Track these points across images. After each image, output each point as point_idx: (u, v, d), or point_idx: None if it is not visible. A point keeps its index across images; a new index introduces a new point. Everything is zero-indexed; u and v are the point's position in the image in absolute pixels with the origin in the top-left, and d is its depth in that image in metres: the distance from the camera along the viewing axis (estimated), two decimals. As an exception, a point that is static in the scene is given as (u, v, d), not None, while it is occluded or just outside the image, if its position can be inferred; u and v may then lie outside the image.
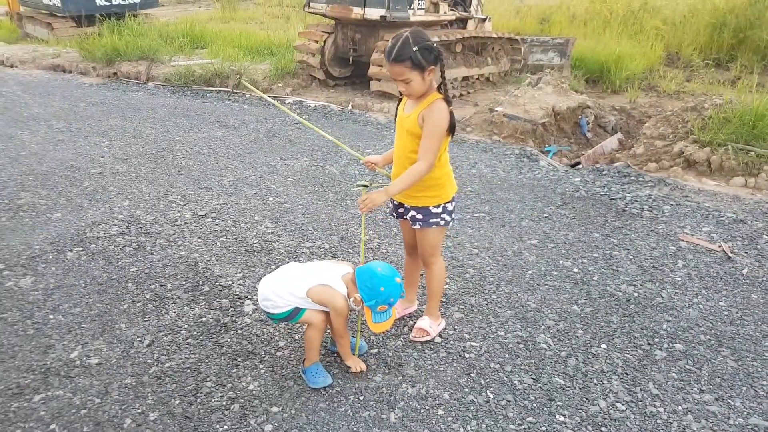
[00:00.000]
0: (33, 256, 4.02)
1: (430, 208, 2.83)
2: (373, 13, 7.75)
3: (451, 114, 2.60)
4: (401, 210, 2.97)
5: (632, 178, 5.67)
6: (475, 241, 4.32)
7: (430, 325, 3.15)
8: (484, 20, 9.60)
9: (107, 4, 13.81)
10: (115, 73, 10.19)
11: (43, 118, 7.53)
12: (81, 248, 4.13)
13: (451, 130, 2.63)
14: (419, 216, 2.86)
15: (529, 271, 3.88)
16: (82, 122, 7.37)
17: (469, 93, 8.97)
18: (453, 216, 2.92)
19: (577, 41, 10.43)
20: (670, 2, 14.99)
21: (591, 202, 5.11)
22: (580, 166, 6.38)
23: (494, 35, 9.16)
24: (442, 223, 2.87)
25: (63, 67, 10.68)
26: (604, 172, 5.84)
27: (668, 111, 6.83)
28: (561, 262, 4.02)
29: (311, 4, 8.70)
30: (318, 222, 4.60)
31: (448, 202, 2.85)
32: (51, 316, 3.34)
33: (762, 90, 9.19)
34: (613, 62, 10.16)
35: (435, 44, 2.54)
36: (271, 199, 5.06)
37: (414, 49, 2.47)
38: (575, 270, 3.90)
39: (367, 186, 2.89)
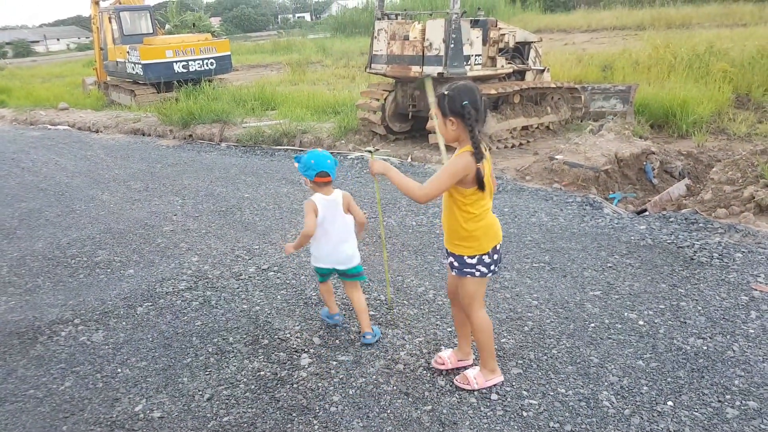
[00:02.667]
0: (106, 311, 4.19)
1: (465, 257, 2.85)
2: (431, 71, 7.88)
3: (477, 170, 2.64)
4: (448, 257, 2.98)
5: (701, 224, 5.40)
6: (534, 293, 4.19)
7: (475, 376, 3.05)
8: (542, 71, 9.57)
9: (184, 71, 14.67)
10: (190, 135, 10.74)
11: (122, 179, 7.98)
12: (150, 303, 4.27)
13: (479, 185, 2.68)
14: (456, 264, 2.90)
15: (592, 324, 3.71)
16: (158, 182, 7.75)
17: (528, 142, 8.89)
18: (493, 268, 2.90)
19: (639, 87, 10.22)
20: (737, 44, 14.54)
21: (657, 251, 4.88)
22: (647, 213, 6.15)
23: (553, 85, 9.10)
24: (477, 274, 2.87)
25: (143, 131, 11.36)
26: (671, 219, 5.59)
27: (737, 155, 6.52)
28: (625, 314, 3.83)
29: (372, 65, 8.93)
30: (374, 273, 4.59)
31: (484, 254, 2.84)
32: (119, 370, 3.44)
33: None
34: (678, 106, 9.87)
35: (467, 102, 2.60)
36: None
37: (443, 92, 2.66)
38: (641, 322, 3.71)
39: (371, 152, 3.20)
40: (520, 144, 8.75)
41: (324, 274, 3.65)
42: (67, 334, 3.93)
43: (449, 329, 3.70)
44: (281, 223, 5.97)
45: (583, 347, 3.44)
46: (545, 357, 3.36)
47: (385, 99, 9.17)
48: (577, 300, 4.05)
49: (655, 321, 3.71)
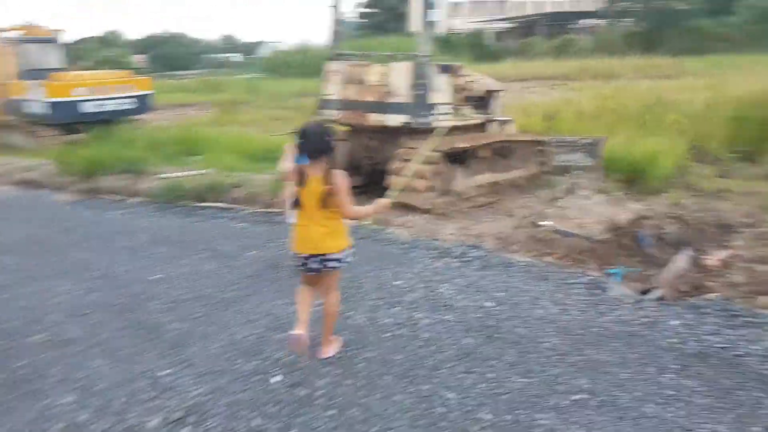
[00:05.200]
0: None
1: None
2: (395, 120, 6.51)
3: None
4: None
5: (745, 318, 4.18)
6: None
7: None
8: (506, 122, 8.40)
9: (98, 111, 12.69)
10: (94, 189, 8.76)
11: (-11, 251, 6.03)
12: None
13: None
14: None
15: None
16: (40, 257, 5.87)
17: (498, 200, 7.60)
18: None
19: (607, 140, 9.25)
20: (684, 95, 14.12)
21: (715, 362, 3.60)
22: (659, 295, 4.92)
23: (521, 137, 7.92)
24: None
25: (37, 183, 9.29)
26: (704, 310, 4.35)
27: (760, 226, 5.44)
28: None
29: (322, 110, 7.48)
30: (346, 420, 3.04)
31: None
32: None
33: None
34: (647, 161, 8.93)
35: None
36: (276, 379, 3.51)
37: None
38: None
39: None
40: (490, 202, 7.45)
41: None
42: None
43: None
44: (204, 324, 4.33)
45: None
46: None
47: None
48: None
49: None
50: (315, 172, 3.37)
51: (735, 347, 3.77)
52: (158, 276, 5.35)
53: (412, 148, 6.76)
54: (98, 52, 36.69)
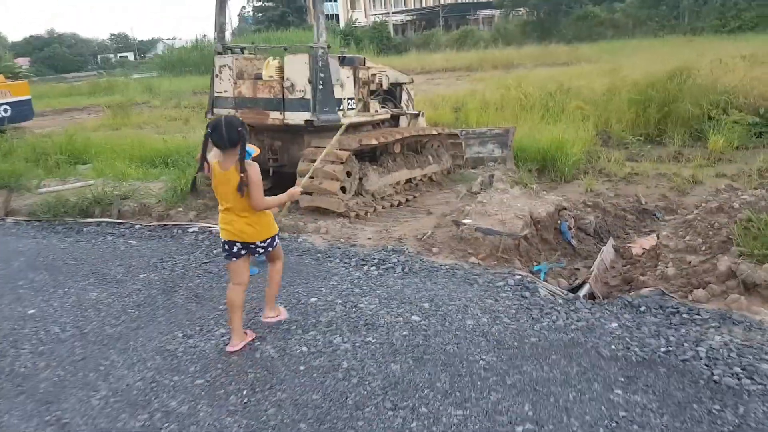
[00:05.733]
0: None
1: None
2: (296, 118, 5.92)
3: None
4: None
5: (683, 315, 3.95)
6: None
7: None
8: (417, 115, 7.99)
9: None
10: (-40, 210, 7.59)
11: None
12: None
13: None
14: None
15: None
16: None
17: (414, 197, 7.18)
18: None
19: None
20: (582, 82, 14.31)
21: (662, 371, 3.31)
22: (588, 291, 4.66)
23: (433, 131, 7.53)
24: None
25: None
26: (640, 309, 4.09)
27: (687, 212, 5.30)
28: None
29: (215, 109, 6.76)
30: None
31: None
32: None
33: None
34: (556, 149, 8.81)
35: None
36: (170, 438, 2.88)
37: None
38: None
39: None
40: (407, 200, 7.02)
41: None
42: None
43: None
44: (84, 368, 3.60)
45: None
46: None
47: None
48: None
49: None
50: (228, 164, 3.45)
51: (680, 350, 3.49)
52: (32, 311, 4.51)
53: (320, 147, 6.20)
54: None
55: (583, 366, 3.38)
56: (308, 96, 5.90)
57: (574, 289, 4.91)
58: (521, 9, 41.99)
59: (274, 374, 3.44)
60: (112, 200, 7.13)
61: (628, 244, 6.11)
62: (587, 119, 11.15)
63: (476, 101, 13.95)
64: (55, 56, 61.62)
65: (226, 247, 3.67)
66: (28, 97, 12.98)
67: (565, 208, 6.17)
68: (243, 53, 6.74)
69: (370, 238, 5.77)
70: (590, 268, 5.54)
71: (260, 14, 43.00)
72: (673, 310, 4.02)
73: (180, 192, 6.98)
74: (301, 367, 3.50)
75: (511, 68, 24.44)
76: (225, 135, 3.39)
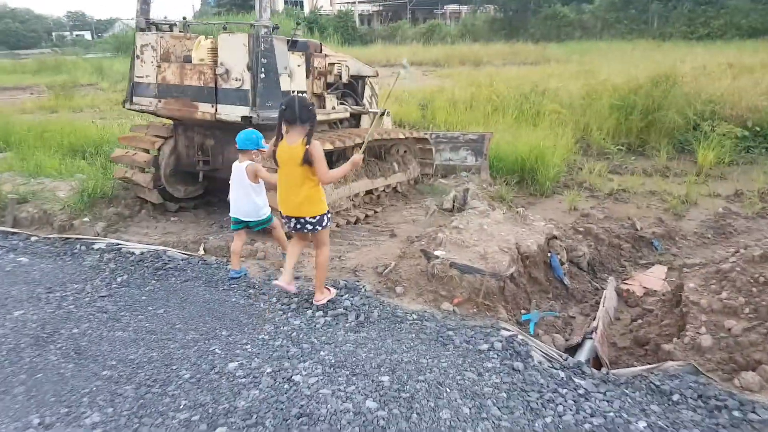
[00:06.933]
0: None
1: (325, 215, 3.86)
2: (231, 113, 4.63)
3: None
4: None
5: (733, 413, 2.86)
6: None
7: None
8: (381, 115, 6.76)
9: None
10: None
11: None
12: None
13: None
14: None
15: None
16: None
17: (375, 212, 5.98)
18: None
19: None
20: (553, 82, 13.30)
21: None
22: (588, 355, 3.58)
23: (401, 135, 6.32)
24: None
25: None
26: (672, 396, 2.99)
27: (719, 260, 4.22)
28: None
29: (134, 98, 5.40)
30: None
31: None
32: None
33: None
34: (536, 159, 7.73)
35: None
36: None
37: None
38: None
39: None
40: (366, 216, 5.81)
41: (235, 223, 4.35)
42: None
43: None
44: None
45: None
46: None
47: (159, 149, 5.66)
48: None
49: None
50: (295, 139, 3.62)
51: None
52: None
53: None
54: None
55: None
56: (246, 86, 4.61)
57: (572, 348, 3.83)
58: (489, 6, 41.04)
59: None
60: (6, 204, 5.70)
61: (627, 282, 5.06)
62: (564, 125, 10.11)
63: (444, 99, 12.82)
64: (7, 31, 57.89)
65: (286, 220, 3.89)
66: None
67: (556, 237, 5.06)
68: (171, 30, 5.38)
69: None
70: (588, 315, 4.48)
71: (224, -4, 40.95)
72: (718, 402, 2.93)
73: (88, 197, 5.59)
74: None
75: (479, 65, 23.42)
76: (297, 112, 3.57)
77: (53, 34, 64.58)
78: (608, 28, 30.26)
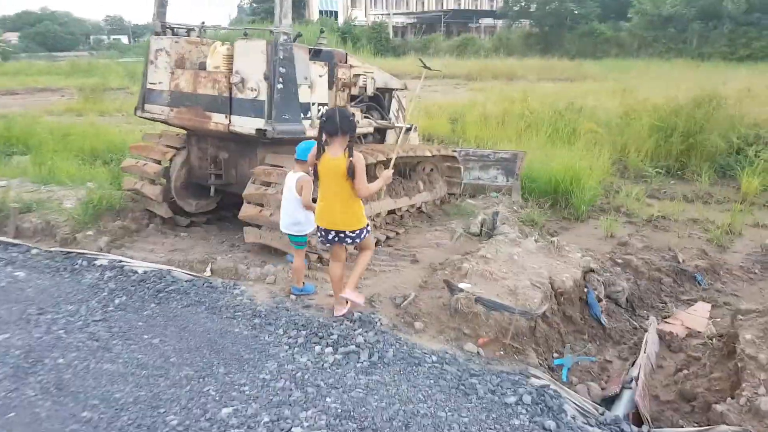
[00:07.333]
0: None
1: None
2: (246, 125, 4.31)
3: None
4: None
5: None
6: None
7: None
8: (408, 130, 6.39)
9: None
10: None
11: None
12: None
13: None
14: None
15: None
16: None
17: (397, 234, 5.60)
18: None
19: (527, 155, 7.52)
20: (589, 100, 12.79)
21: None
22: (627, 409, 3.14)
23: (428, 152, 5.93)
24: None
25: None
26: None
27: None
28: None
29: (146, 106, 5.13)
30: None
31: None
32: None
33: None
34: (571, 180, 7.26)
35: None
36: None
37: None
38: None
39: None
40: (387, 238, 5.43)
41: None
42: None
43: None
44: None
45: None
46: None
47: (171, 160, 5.38)
48: None
49: None
50: (337, 151, 3.58)
51: None
52: None
53: (276, 166, 4.61)
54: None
55: None
56: (262, 97, 4.29)
57: (609, 399, 3.38)
58: (524, 21, 40.57)
59: None
60: (8, 213, 5.47)
61: (668, 321, 4.58)
62: (601, 145, 9.60)
63: (476, 113, 12.39)
64: (45, 33, 59.17)
65: (323, 233, 3.80)
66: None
67: (593, 270, 4.61)
68: (188, 35, 5.11)
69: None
70: (626, 360, 4.02)
71: (257, 5, 40.99)
72: (791, 486, 2.47)
73: (94, 209, 5.31)
74: None
75: (512, 80, 22.94)
76: (338, 123, 3.51)
77: (91, 37, 65.86)
78: (645, 46, 29.56)
